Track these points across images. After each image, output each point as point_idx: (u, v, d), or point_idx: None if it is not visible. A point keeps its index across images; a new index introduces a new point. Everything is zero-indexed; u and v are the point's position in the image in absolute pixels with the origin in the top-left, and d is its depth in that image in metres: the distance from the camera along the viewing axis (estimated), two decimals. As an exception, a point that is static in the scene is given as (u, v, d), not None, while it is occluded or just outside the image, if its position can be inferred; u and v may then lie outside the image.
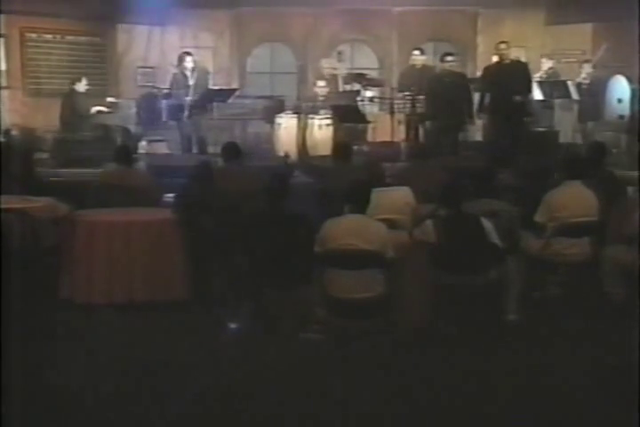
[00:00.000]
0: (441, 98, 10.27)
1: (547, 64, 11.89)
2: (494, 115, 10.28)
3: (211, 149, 10.70)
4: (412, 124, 10.97)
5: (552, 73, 11.76)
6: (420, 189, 6.70)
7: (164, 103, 11.57)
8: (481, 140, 11.57)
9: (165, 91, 11.45)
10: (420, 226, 5.76)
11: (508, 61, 10.30)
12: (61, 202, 6.78)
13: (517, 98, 10.05)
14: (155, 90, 12.09)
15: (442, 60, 10.69)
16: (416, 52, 11.45)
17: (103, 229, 6.28)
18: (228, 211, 6.47)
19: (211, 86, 11.48)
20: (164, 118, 11.68)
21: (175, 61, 11.45)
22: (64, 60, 12.61)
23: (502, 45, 10.31)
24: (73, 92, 10.74)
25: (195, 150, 11.00)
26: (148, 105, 12.00)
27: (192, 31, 13.84)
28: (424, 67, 11.35)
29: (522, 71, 10.35)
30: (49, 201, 6.73)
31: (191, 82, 10.96)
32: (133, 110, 11.85)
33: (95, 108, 10.81)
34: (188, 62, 11.04)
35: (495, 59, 10.62)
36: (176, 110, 11.04)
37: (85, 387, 4.70)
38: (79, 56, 12.78)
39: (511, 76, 10.09)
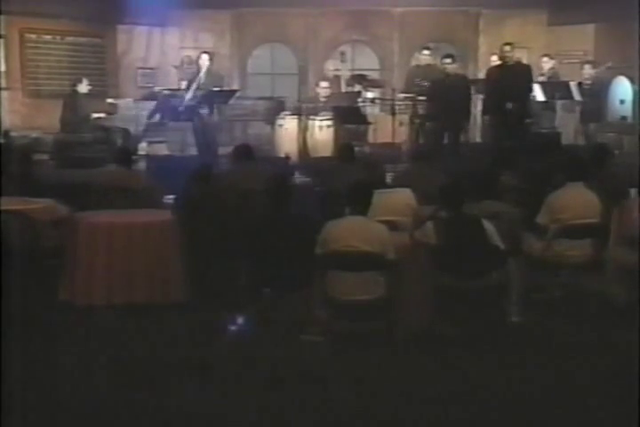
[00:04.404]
0: (442, 100, 10.28)
1: (548, 64, 11.85)
2: (497, 116, 10.26)
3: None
4: (413, 126, 10.98)
5: (553, 73, 11.72)
6: (422, 191, 6.68)
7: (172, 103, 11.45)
8: (484, 142, 11.54)
9: (167, 91, 11.35)
10: (421, 228, 5.73)
11: (511, 63, 10.27)
12: (61, 204, 6.78)
13: (520, 100, 10.05)
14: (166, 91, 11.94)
15: (441, 62, 10.74)
16: (425, 52, 11.58)
17: (103, 230, 6.24)
18: (229, 212, 6.46)
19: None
20: (176, 119, 11.52)
21: (176, 62, 11.40)
22: (64, 61, 12.62)
23: (507, 47, 10.29)
24: (74, 93, 10.69)
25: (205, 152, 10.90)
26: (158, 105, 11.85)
27: (192, 32, 13.85)
28: (428, 66, 11.39)
29: (525, 73, 10.35)
30: (49, 203, 6.73)
31: (201, 82, 10.85)
32: (133, 112, 11.78)
33: (94, 115, 10.76)
34: (204, 61, 10.90)
35: (494, 59, 10.60)
36: (189, 111, 10.95)
37: (84, 387, 4.68)
38: (79, 57, 12.79)
39: (515, 79, 10.08)
